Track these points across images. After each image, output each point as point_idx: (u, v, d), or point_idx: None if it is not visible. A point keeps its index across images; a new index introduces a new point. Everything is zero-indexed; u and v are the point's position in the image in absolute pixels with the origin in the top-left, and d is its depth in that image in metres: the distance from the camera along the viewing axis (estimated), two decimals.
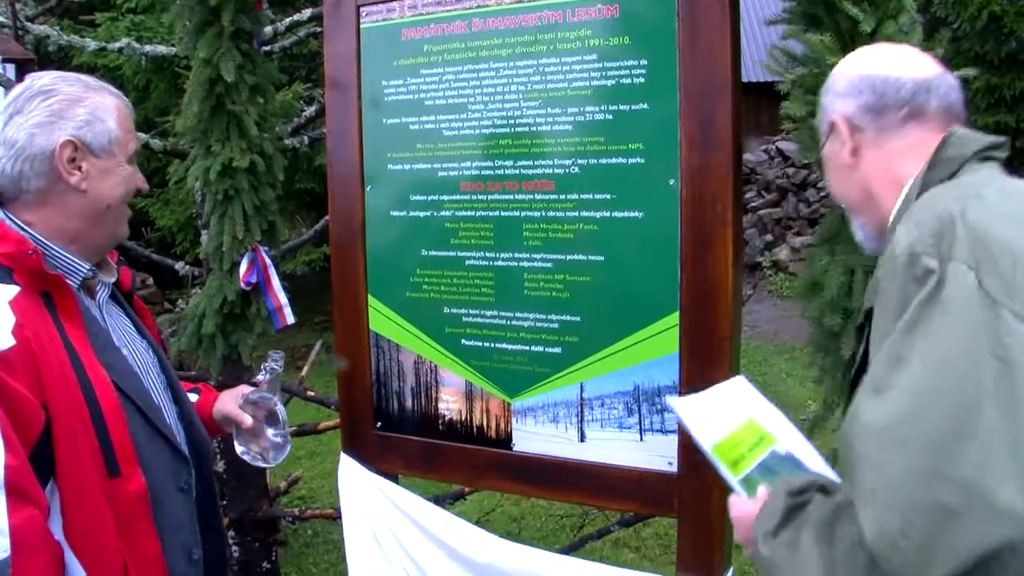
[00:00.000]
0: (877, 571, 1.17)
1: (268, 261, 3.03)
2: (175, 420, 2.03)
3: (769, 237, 13.11)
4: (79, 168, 1.84)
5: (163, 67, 7.54)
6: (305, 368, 5.12)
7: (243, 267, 2.99)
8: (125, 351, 1.94)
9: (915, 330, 1.22)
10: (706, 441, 1.62)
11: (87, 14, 8.66)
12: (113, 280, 2.02)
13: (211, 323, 3.02)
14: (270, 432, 2.23)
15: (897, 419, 1.17)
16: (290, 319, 3.09)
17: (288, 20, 4.29)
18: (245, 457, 2.25)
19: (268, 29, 4.22)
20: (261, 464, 2.26)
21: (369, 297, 2.66)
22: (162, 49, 4.78)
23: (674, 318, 2.20)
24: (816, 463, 1.68)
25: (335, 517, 4.05)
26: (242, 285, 3.00)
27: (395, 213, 2.60)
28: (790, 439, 1.72)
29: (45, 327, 1.74)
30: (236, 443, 2.25)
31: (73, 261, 1.87)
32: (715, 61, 2.12)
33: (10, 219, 1.83)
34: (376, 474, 2.67)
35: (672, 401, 1.71)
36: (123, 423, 1.80)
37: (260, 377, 2.24)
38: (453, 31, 2.45)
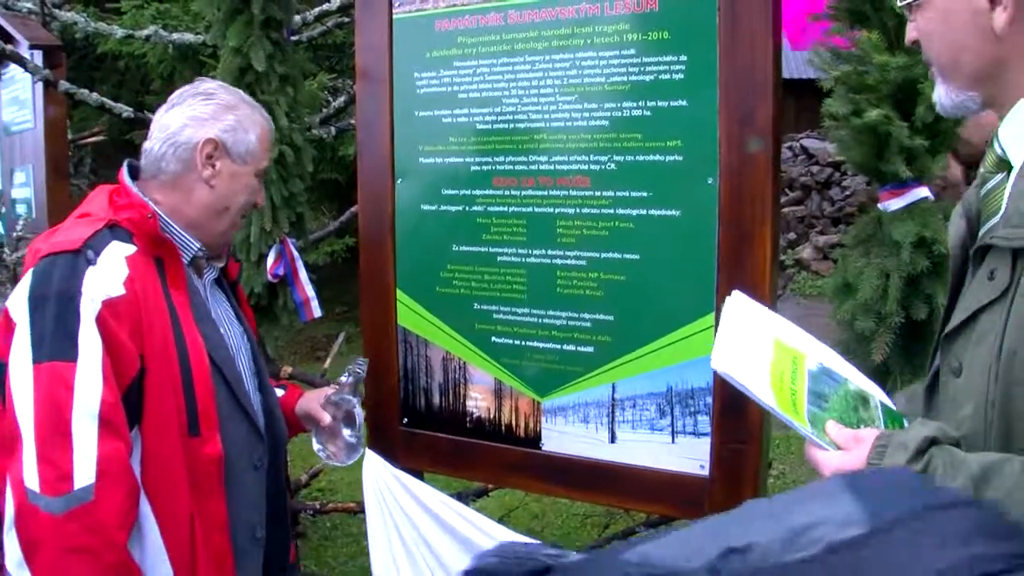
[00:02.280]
0: None
1: (296, 253, 3.01)
2: (258, 405, 2.18)
3: (792, 236, 13.02)
4: (213, 165, 2.06)
5: (188, 56, 7.54)
6: (328, 360, 5.10)
7: (271, 259, 2.97)
8: (222, 329, 2.12)
9: None
10: (767, 397, 1.52)
11: (113, 1, 8.66)
12: (221, 266, 2.23)
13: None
14: (346, 432, 2.34)
15: None
16: (317, 312, 3.07)
17: (317, 10, 4.25)
18: (320, 455, 2.38)
19: (296, 19, 4.19)
20: (334, 463, 2.39)
21: (398, 292, 2.63)
22: (189, 37, 4.76)
23: (710, 319, 2.16)
24: (842, 364, 1.67)
25: (355, 511, 4.03)
26: (269, 277, 2.97)
27: (426, 207, 2.56)
28: (810, 347, 1.68)
29: (153, 287, 1.93)
30: (314, 440, 2.38)
31: (187, 239, 2.06)
32: (756, 56, 2.08)
33: (140, 194, 2.03)
34: (401, 470, 2.64)
35: (714, 366, 1.56)
36: (209, 388, 1.98)
37: (342, 379, 2.37)
38: (488, 23, 2.41)
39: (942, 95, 1.46)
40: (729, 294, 2.11)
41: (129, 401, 1.84)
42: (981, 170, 1.46)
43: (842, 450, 1.44)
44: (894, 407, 1.65)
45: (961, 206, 1.53)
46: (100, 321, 1.81)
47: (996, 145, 1.40)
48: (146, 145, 2.10)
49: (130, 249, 1.93)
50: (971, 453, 1.29)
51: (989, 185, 1.42)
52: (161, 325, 1.91)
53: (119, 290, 1.85)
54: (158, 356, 1.89)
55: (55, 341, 1.78)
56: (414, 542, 2.59)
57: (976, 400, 1.35)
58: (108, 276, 1.85)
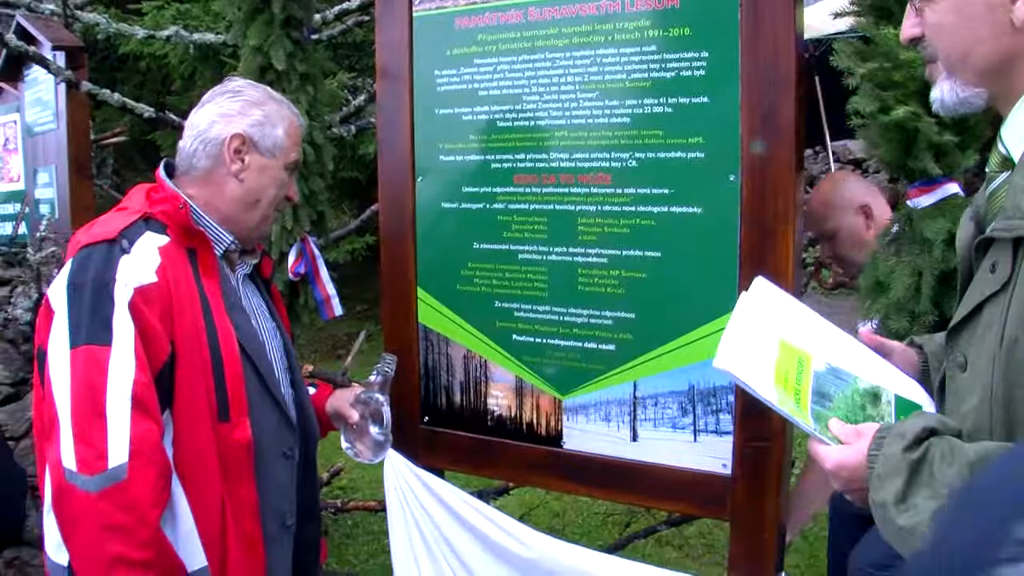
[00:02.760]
0: None
1: (317, 251, 3.01)
2: (290, 399, 2.24)
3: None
4: (242, 160, 2.12)
5: (208, 56, 7.56)
6: (348, 358, 5.10)
7: (292, 257, 2.97)
8: (254, 321, 2.17)
9: None
10: (770, 394, 1.56)
11: (134, 2, 8.70)
12: (254, 262, 2.30)
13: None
14: (374, 430, 2.39)
15: None
16: (338, 310, 3.07)
17: (337, 8, 4.26)
18: (349, 452, 2.43)
19: (316, 17, 4.19)
20: (362, 460, 2.44)
21: (418, 290, 2.62)
22: (210, 37, 4.78)
23: None
24: (859, 357, 1.67)
25: (376, 509, 4.04)
26: (290, 276, 2.98)
27: (446, 205, 2.56)
28: (820, 344, 1.68)
29: (185, 276, 2.00)
30: (342, 438, 2.44)
31: (220, 232, 2.13)
32: (779, 53, 2.06)
33: (173, 186, 2.11)
34: (421, 468, 2.64)
35: (718, 364, 1.60)
36: (239, 374, 2.03)
37: (372, 378, 2.42)
38: (508, 20, 2.41)
39: (945, 91, 1.45)
40: None
41: (161, 385, 1.90)
42: (987, 171, 1.45)
43: (844, 444, 1.46)
44: (920, 398, 1.65)
45: (970, 209, 1.52)
46: (132, 307, 1.87)
47: (1000, 145, 1.39)
48: (180, 143, 2.17)
49: (163, 240, 2.00)
50: (971, 443, 1.29)
51: (994, 184, 1.41)
52: (192, 312, 1.97)
53: (151, 277, 1.92)
54: (189, 342, 1.95)
55: (91, 326, 1.85)
56: (435, 540, 2.58)
57: (981, 393, 1.35)
58: (141, 264, 1.92)
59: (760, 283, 1.81)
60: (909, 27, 1.49)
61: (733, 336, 1.66)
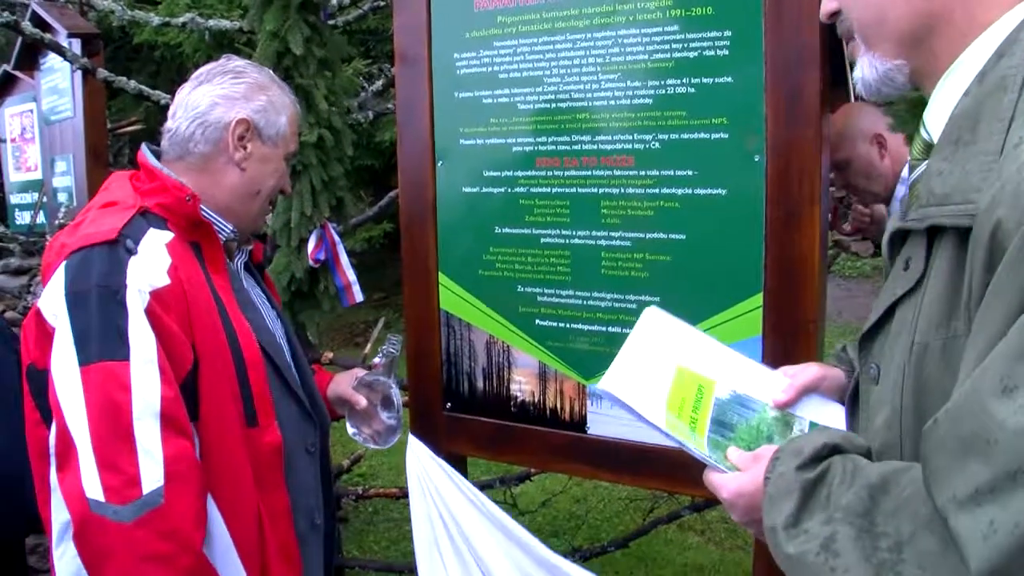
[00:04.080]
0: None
1: (336, 238, 2.99)
2: (301, 390, 2.11)
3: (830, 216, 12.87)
4: (244, 147, 1.99)
5: (223, 43, 7.55)
6: (368, 346, 5.10)
7: (311, 244, 2.96)
8: (264, 315, 2.07)
9: None
10: (658, 419, 1.47)
11: None
12: (250, 248, 2.17)
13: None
14: (384, 415, 2.31)
15: None
16: (359, 296, 3.06)
17: None
18: (357, 438, 2.35)
19: (332, 3, 4.17)
20: (372, 446, 2.35)
21: (440, 275, 2.60)
22: (225, 23, 4.76)
23: (757, 299, 2.12)
24: (757, 384, 1.57)
25: (397, 496, 4.03)
26: (310, 262, 2.96)
27: (467, 189, 2.54)
28: (725, 371, 1.59)
29: (195, 274, 1.86)
30: (348, 424, 2.36)
31: (220, 221, 2.00)
32: (803, 30, 2.02)
33: (174, 176, 1.95)
34: (443, 458, 2.62)
35: (602, 386, 1.53)
36: (263, 374, 1.92)
37: (376, 360, 2.35)
38: (528, 2, 2.37)
39: (865, 67, 1.33)
40: (777, 274, 2.09)
41: (185, 395, 1.76)
42: (910, 159, 1.33)
43: (741, 471, 1.36)
44: (842, 424, 1.51)
45: (899, 204, 1.40)
46: (150, 314, 1.72)
47: (923, 130, 1.27)
48: (169, 125, 2.01)
49: (168, 235, 1.85)
50: (876, 462, 1.17)
51: (915, 174, 1.27)
52: (209, 313, 1.84)
53: (164, 280, 1.77)
54: (210, 344, 1.83)
55: (103, 339, 1.69)
56: (456, 530, 2.57)
57: (891, 406, 1.22)
58: (152, 266, 1.77)
59: (652, 312, 1.73)
60: (827, 1, 1.40)
61: (624, 360, 1.59)
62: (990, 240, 1.01)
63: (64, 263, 1.76)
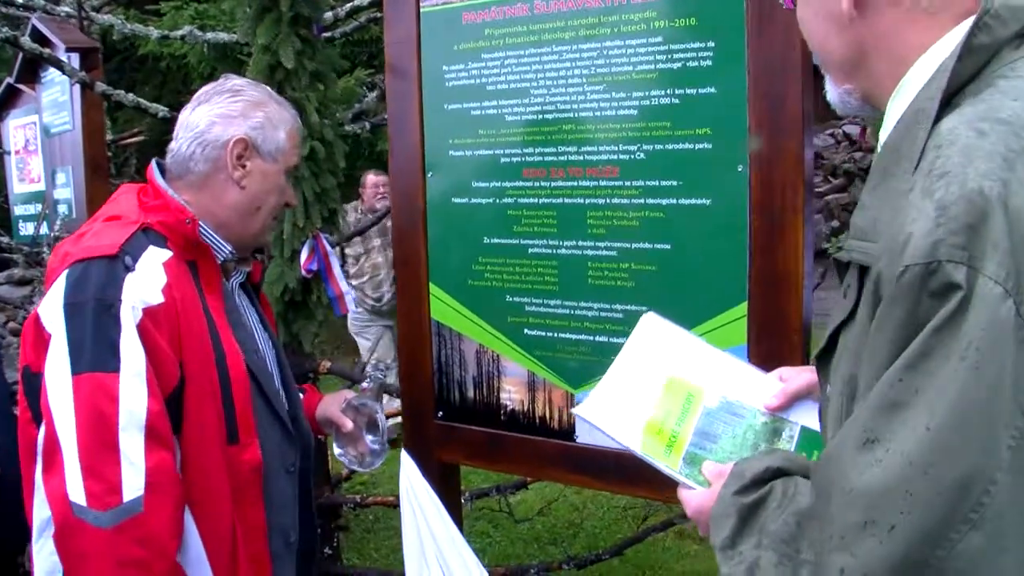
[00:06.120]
0: None
1: (329, 249, 3.02)
2: (285, 412, 2.13)
3: (836, 223, 12.86)
4: (243, 165, 2.01)
5: (227, 55, 7.59)
6: (364, 354, 5.12)
7: (304, 255, 2.98)
8: (254, 337, 2.10)
9: (923, 366, 0.93)
10: (633, 442, 1.50)
11: (152, 3, 8.74)
12: (248, 270, 2.18)
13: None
14: (369, 439, 2.34)
15: (885, 487, 0.93)
16: (351, 306, 3.08)
17: (348, 5, 4.26)
18: (343, 460, 2.39)
19: (328, 15, 4.20)
20: (357, 468, 2.39)
21: (430, 285, 2.62)
22: (224, 36, 4.78)
23: (742, 308, 2.14)
24: (750, 389, 1.57)
25: (396, 504, 4.03)
26: (303, 273, 2.99)
27: (457, 200, 2.56)
28: (717, 378, 1.59)
29: (190, 293, 1.90)
30: (335, 445, 2.39)
31: (219, 242, 2.02)
32: (786, 42, 2.04)
33: (177, 197, 1.99)
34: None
35: (578, 411, 1.58)
36: (247, 394, 1.95)
37: (364, 385, 2.38)
38: (515, 14, 2.40)
39: (828, 90, 1.33)
40: (761, 283, 2.10)
41: (169, 410, 1.81)
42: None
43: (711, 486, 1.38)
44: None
45: None
46: (142, 330, 1.77)
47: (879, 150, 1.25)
48: (172, 145, 2.05)
49: (166, 254, 1.89)
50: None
51: None
52: (199, 332, 1.88)
53: (158, 298, 1.82)
54: (197, 363, 1.87)
55: (95, 351, 1.74)
56: (435, 550, 2.57)
57: (837, 427, 1.18)
58: (147, 284, 1.81)
59: (649, 319, 1.74)
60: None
61: (610, 379, 1.62)
62: (875, 288, 1.04)
63: (65, 272, 1.82)
